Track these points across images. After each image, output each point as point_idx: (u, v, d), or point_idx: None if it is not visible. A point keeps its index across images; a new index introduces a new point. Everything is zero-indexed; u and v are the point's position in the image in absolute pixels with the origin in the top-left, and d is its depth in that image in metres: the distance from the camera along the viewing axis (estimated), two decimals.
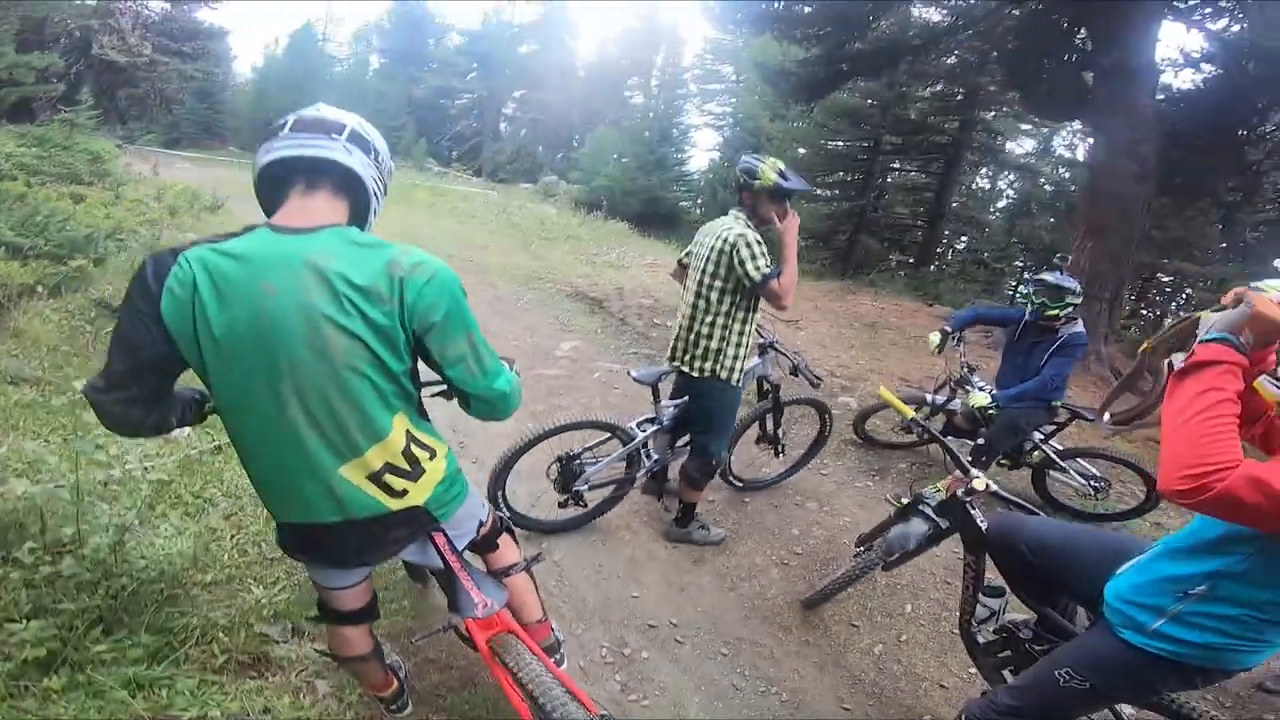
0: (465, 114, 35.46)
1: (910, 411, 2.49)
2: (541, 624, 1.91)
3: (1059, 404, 3.71)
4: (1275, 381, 1.26)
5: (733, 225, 2.60)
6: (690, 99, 30.90)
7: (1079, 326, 3.61)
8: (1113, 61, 7.42)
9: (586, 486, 2.90)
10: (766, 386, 3.37)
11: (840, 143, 16.79)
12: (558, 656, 2.04)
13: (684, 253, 2.93)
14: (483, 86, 33.95)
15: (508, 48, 33.31)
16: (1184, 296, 16.88)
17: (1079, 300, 3.61)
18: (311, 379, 1.17)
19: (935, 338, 3.90)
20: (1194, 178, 8.81)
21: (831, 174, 17.52)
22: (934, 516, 2.21)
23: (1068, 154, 18.74)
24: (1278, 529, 1.17)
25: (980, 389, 3.80)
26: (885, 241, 17.46)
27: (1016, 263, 18.42)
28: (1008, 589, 2.10)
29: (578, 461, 2.83)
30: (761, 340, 3.26)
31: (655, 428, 2.93)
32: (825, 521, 3.60)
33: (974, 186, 20.64)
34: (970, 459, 3.62)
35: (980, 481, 2.08)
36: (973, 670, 2.52)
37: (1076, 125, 15.21)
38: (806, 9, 9.26)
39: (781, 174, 2.59)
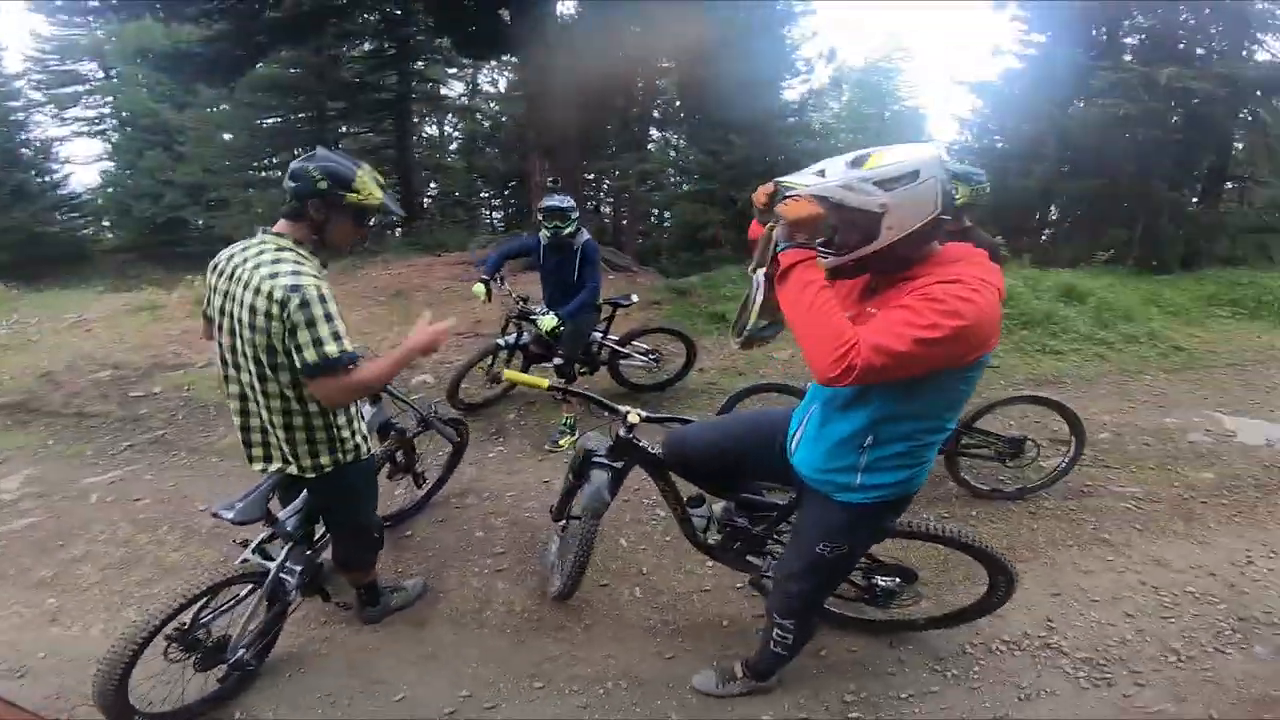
0: None
1: (545, 383, 2.37)
2: None
3: (600, 302, 4.19)
4: (822, 254, 1.47)
5: (282, 265, 1.72)
6: (38, 108, 22.43)
7: (586, 235, 4.02)
8: None
9: (244, 651, 2.03)
10: (391, 431, 2.78)
11: (278, 118, 14.75)
12: None
13: (205, 302, 1.92)
14: None
15: None
16: (605, 185, 21.18)
17: (579, 214, 4.00)
18: None
19: (479, 289, 4.00)
20: (596, 90, 10.75)
21: (280, 152, 15.43)
22: (609, 463, 2.20)
23: (492, 89, 20.80)
24: (906, 377, 1.37)
25: (544, 313, 3.98)
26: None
27: (483, 194, 20.18)
28: (704, 493, 2.26)
29: (203, 629, 1.98)
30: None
31: (284, 545, 2.09)
32: (495, 508, 3.35)
33: (425, 136, 21.20)
34: (560, 377, 3.89)
35: (634, 415, 2.15)
36: (714, 566, 2.72)
37: (494, 63, 16.86)
38: None
39: (384, 189, 1.88)
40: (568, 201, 3.89)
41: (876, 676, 2.30)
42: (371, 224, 1.99)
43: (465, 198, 19.50)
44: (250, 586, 2.05)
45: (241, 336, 1.77)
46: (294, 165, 1.80)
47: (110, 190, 18.40)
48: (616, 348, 4.49)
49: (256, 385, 1.82)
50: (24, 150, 17.41)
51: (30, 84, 23.75)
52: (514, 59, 11.91)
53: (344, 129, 16.65)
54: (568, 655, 2.42)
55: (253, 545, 2.09)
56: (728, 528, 2.22)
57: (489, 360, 4.29)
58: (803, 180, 1.43)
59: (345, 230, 1.87)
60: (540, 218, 3.93)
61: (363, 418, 2.20)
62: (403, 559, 2.98)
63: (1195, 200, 10.96)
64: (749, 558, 2.27)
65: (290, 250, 1.79)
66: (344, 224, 1.86)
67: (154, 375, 5.15)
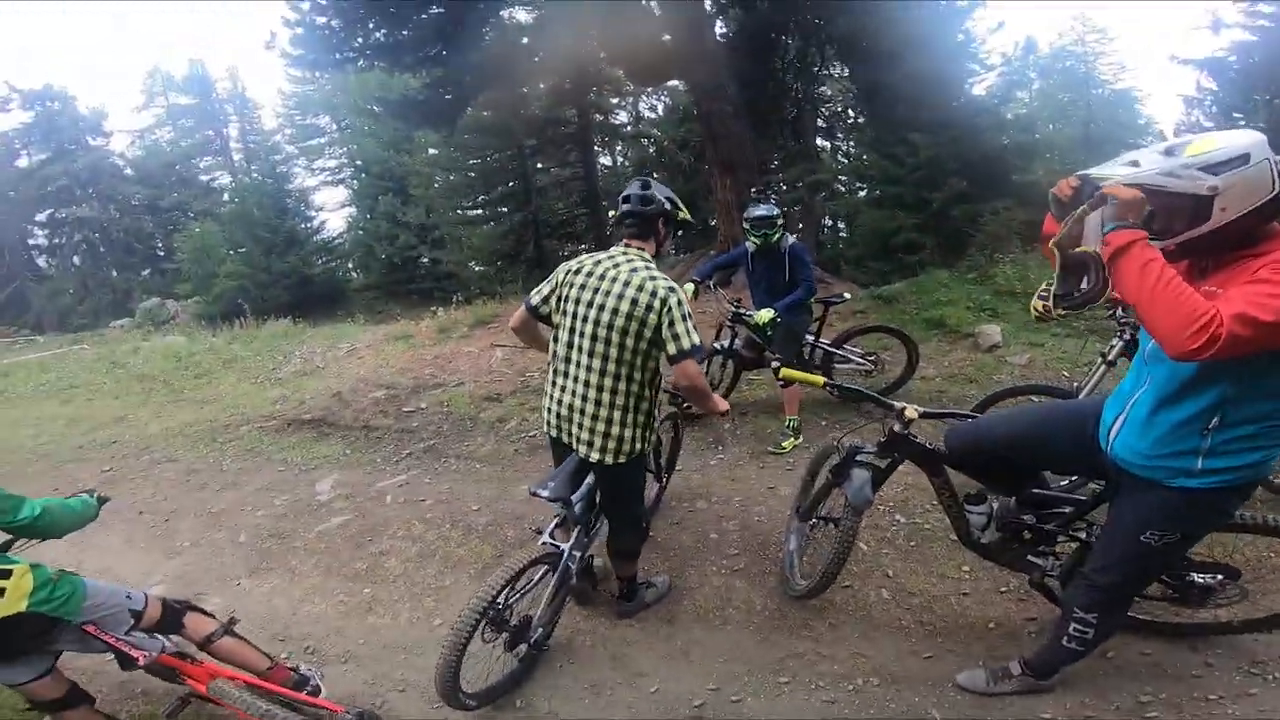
0: None
1: (820, 380, 2.43)
2: (274, 669, 2.26)
3: (812, 301, 4.18)
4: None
5: (653, 270, 2.13)
6: (293, 161, 27.65)
7: (792, 238, 4.09)
8: (680, 19, 8.57)
9: (541, 630, 2.32)
10: None
11: (484, 158, 16.68)
12: (312, 686, 2.34)
13: (539, 296, 2.31)
14: None
15: None
16: (773, 198, 21.01)
17: (783, 220, 4.08)
18: None
19: (689, 288, 4.17)
20: (765, 103, 10.84)
21: (491, 190, 17.36)
22: (874, 461, 2.21)
23: (652, 115, 21.65)
24: (1267, 350, 1.35)
25: (759, 311, 4.05)
26: (561, 238, 18.11)
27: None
28: (986, 490, 2.21)
29: (509, 610, 2.21)
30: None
31: (576, 529, 2.38)
32: (725, 512, 3.49)
33: (604, 165, 22.59)
34: (779, 380, 3.93)
35: (912, 410, 2.13)
36: (966, 566, 2.68)
37: (652, 90, 17.59)
38: (406, 32, 8.63)
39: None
40: (774, 210, 4.02)
41: (1177, 679, 2.11)
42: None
43: None
44: (545, 569, 2.33)
45: (610, 325, 2.10)
46: (642, 193, 2.19)
47: (355, 234, 21.84)
48: (830, 350, 4.42)
49: (608, 367, 2.15)
50: (289, 200, 20.86)
51: (284, 138, 29.30)
52: (678, 82, 12.31)
53: (539, 165, 18.33)
54: (813, 652, 2.45)
55: (546, 531, 2.38)
56: (1011, 525, 2.14)
57: (705, 366, 4.45)
58: (1114, 171, 1.49)
59: (665, 240, 2.30)
60: (748, 227, 4.06)
61: None
62: (647, 558, 3.15)
63: None
64: (1031, 557, 2.18)
65: (649, 261, 2.18)
66: (667, 236, 2.29)
67: (419, 393, 6.08)
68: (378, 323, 12.09)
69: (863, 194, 15.13)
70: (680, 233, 2.42)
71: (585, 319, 2.15)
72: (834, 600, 2.70)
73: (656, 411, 2.34)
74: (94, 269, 26.69)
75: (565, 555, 2.33)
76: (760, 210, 4.00)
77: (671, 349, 2.08)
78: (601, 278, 2.14)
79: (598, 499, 2.47)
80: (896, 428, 2.14)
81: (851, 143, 18.10)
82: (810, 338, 4.37)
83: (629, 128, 21.79)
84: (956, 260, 7.72)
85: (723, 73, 8.92)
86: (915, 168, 9.46)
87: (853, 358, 4.48)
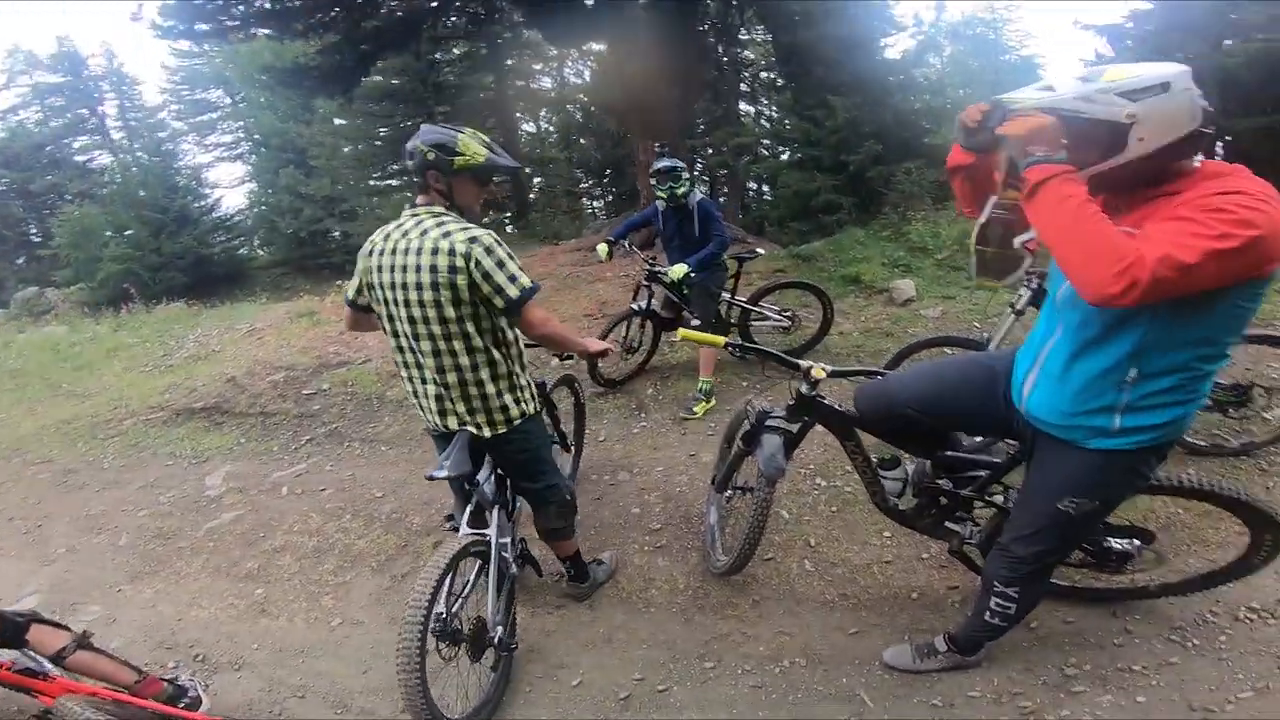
0: None
1: (721, 340, 2.29)
2: (144, 682, 2.10)
3: (727, 258, 4.11)
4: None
5: (448, 224, 1.86)
6: (181, 137, 25.44)
7: (699, 194, 4.01)
8: None
9: (500, 629, 2.09)
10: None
11: (390, 127, 15.73)
12: (189, 698, 2.19)
13: (353, 289, 2.07)
14: None
15: None
16: (699, 163, 20.97)
17: (688, 173, 3.98)
18: None
19: (602, 248, 4.16)
20: (687, 66, 10.61)
21: (397, 160, 16.43)
22: (785, 425, 2.09)
23: (578, 81, 21.03)
24: (1191, 293, 1.24)
25: (672, 267, 3.94)
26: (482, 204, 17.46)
27: (581, 185, 20.52)
28: (900, 454, 2.11)
29: (456, 619, 1.98)
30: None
31: (495, 513, 2.17)
32: (647, 484, 3.36)
33: (526, 132, 21.85)
34: (751, 345, 3.84)
35: (818, 369, 2.02)
36: (888, 531, 2.62)
37: (577, 54, 17.04)
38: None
39: (488, 146, 1.95)
40: (677, 162, 3.91)
41: (1100, 648, 2.09)
42: (493, 181, 2.08)
43: (570, 188, 19.95)
44: (478, 564, 2.13)
45: (422, 301, 1.86)
46: (406, 146, 1.92)
47: (256, 209, 20.36)
48: (746, 306, 4.37)
49: (442, 346, 1.92)
50: (178, 178, 19.06)
51: (171, 114, 27.02)
52: (600, 45, 11.97)
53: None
54: (738, 633, 2.36)
55: (464, 521, 2.15)
56: (926, 490, 2.05)
57: (624, 328, 4.32)
58: (1028, 96, 1.38)
59: (468, 192, 1.96)
60: (654, 182, 3.96)
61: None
62: (577, 537, 3.03)
63: None
64: (948, 524, 2.10)
65: (446, 215, 1.90)
66: (465, 187, 1.94)
67: (321, 374, 5.66)
68: (283, 300, 11.32)
69: (785, 157, 15.29)
70: (494, 180, 2.07)
71: (395, 302, 1.92)
72: (757, 575, 2.61)
73: (520, 367, 2.11)
74: None
75: (494, 544, 2.11)
76: (664, 163, 3.90)
77: (499, 301, 1.87)
78: (394, 253, 1.89)
79: (506, 480, 2.29)
80: (804, 389, 2.03)
81: (774, 107, 18.18)
82: (726, 295, 4.30)
83: (553, 93, 21.15)
84: (872, 219, 7.86)
85: (643, 34, 8.64)
86: (833, 130, 9.55)
87: (769, 314, 4.44)
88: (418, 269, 1.84)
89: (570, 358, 3.00)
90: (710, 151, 16.60)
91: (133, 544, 3.59)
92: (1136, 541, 2.00)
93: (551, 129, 22.39)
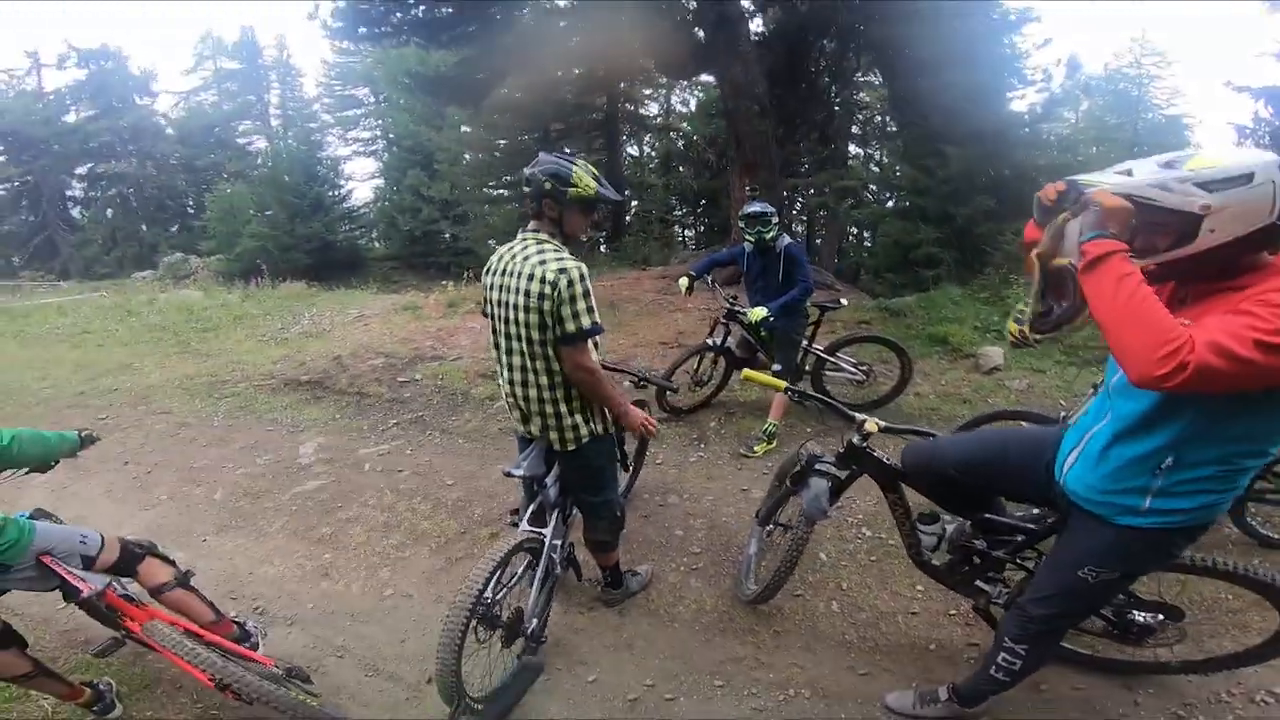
0: (10, 208, 26.85)
1: (782, 384, 2.39)
2: (219, 623, 2.31)
3: (810, 305, 4.10)
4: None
5: (546, 254, 2.02)
6: (328, 130, 27.96)
7: (788, 238, 4.02)
8: (714, 14, 8.46)
9: (535, 621, 2.24)
10: None
11: (511, 138, 16.65)
12: (252, 641, 2.41)
13: (484, 301, 2.27)
14: (23, 170, 25.94)
15: (45, 119, 25.79)
16: (799, 203, 20.81)
17: (778, 218, 4.01)
18: None
19: (684, 282, 4.18)
20: (796, 106, 10.69)
21: (515, 171, 17.34)
22: (834, 471, 2.17)
23: (684, 109, 21.49)
24: (1242, 388, 1.23)
25: (753, 308, 3.98)
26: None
27: (676, 212, 20.79)
28: (939, 510, 2.14)
29: (499, 606, 2.13)
30: None
31: (554, 515, 2.33)
32: (695, 510, 3.45)
33: (629, 155, 22.51)
34: (810, 393, 3.87)
35: (872, 424, 2.09)
36: (921, 586, 2.63)
37: (686, 83, 17.45)
38: (447, 9, 8.64)
39: (597, 179, 2.12)
40: (768, 207, 3.95)
41: (1104, 717, 2.06)
42: (597, 212, 2.23)
43: (664, 215, 20.33)
44: (528, 560, 2.27)
45: (517, 320, 2.05)
46: (526, 171, 2.09)
47: (380, 204, 21.93)
48: (823, 356, 4.34)
49: (529, 364, 2.11)
50: (319, 168, 20.81)
51: (322, 108, 29.64)
52: (710, 77, 12.18)
53: (565, 150, 18.18)
54: (753, 658, 2.42)
55: (524, 518, 2.30)
56: (961, 548, 2.08)
57: (696, 361, 4.39)
58: (1105, 179, 1.38)
59: (576, 221, 2.12)
60: (742, 225, 4.00)
61: None
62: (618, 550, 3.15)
63: None
64: (978, 583, 2.11)
65: (548, 243, 2.06)
66: (573, 215, 2.10)
67: (416, 365, 6.10)
68: (391, 292, 12.18)
69: (890, 204, 14.90)
70: (597, 210, 2.14)
71: (502, 319, 2.11)
72: (783, 608, 2.66)
73: None
74: (124, 222, 27.17)
75: (547, 544, 2.26)
76: (754, 207, 3.94)
77: (558, 331, 2.01)
78: (505, 273, 2.08)
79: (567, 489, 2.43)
80: (855, 440, 2.12)
81: (885, 152, 17.85)
82: (804, 342, 4.29)
83: (659, 119, 21.69)
84: (972, 278, 7.55)
85: (754, 71, 8.80)
86: (944, 180, 9.26)
87: (845, 366, 4.40)
88: (517, 290, 2.02)
89: (644, 385, 3.13)
90: (812, 192, 16.47)
91: (225, 499, 3.96)
92: (1161, 616, 1.99)
93: (654, 154, 22.94)
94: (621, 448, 3.17)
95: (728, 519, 3.33)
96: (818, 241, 18.74)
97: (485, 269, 2.20)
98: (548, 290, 1.97)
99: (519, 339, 2.08)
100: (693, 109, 19.72)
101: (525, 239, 2.09)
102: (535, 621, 2.23)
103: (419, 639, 2.60)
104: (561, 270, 1.97)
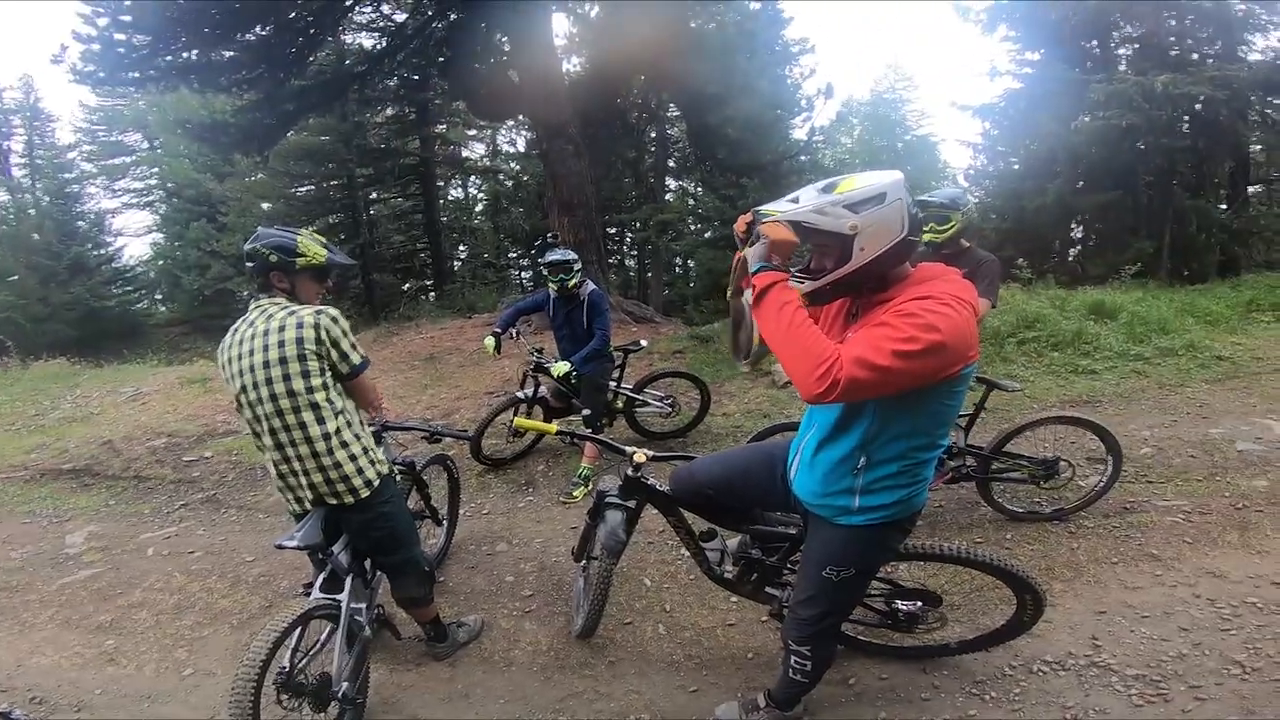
0: None
1: (553, 428, 2.50)
2: None
3: (611, 350, 4.25)
4: (798, 280, 1.55)
5: (298, 310, 2.00)
6: (89, 180, 24.09)
7: (591, 285, 4.13)
8: (527, 58, 8.65)
9: (347, 684, 2.08)
10: (400, 469, 2.86)
11: (310, 186, 15.52)
12: None
13: (236, 388, 2.08)
14: None
15: None
16: (627, 241, 21.67)
17: (580, 265, 4.10)
18: None
19: (490, 342, 4.09)
20: (608, 144, 11.21)
21: (314, 220, 16.09)
22: (623, 502, 2.26)
23: (511, 149, 21.59)
24: (891, 393, 1.39)
25: (557, 361, 4.05)
26: (397, 272, 17.24)
27: (510, 254, 20.74)
28: (715, 527, 2.29)
29: (301, 673, 1.99)
30: (372, 426, 2.64)
31: (349, 581, 2.18)
32: (524, 554, 3.40)
33: (451, 198, 22.00)
34: (589, 428, 3.90)
35: (640, 454, 2.21)
36: (738, 601, 2.76)
37: (510, 123, 17.57)
38: (227, 53, 7.90)
39: (326, 246, 2.11)
40: (570, 254, 4.01)
41: (909, 703, 2.25)
42: (330, 279, 2.22)
43: (494, 259, 20.07)
44: (329, 626, 2.13)
45: (271, 380, 1.96)
46: (245, 248, 2.07)
47: (160, 262, 19.41)
48: (631, 395, 4.53)
49: (295, 419, 1.99)
50: (80, 223, 18.34)
51: (81, 155, 25.55)
52: (526, 119, 12.39)
53: (374, 195, 17.36)
54: (592, 690, 2.45)
55: (317, 586, 2.16)
56: (743, 560, 2.22)
57: (511, 414, 4.32)
58: (779, 207, 1.50)
59: (309, 288, 2.13)
60: (545, 273, 4.02)
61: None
62: (436, 603, 3.03)
63: (1224, 207, 10.75)
64: (768, 589, 2.26)
65: (290, 303, 2.05)
66: (305, 284, 2.11)
67: (206, 441, 5.41)
68: (179, 363, 10.71)
69: (706, 235, 16.05)
70: (330, 276, 2.21)
71: (253, 387, 2.00)
72: (614, 638, 2.72)
73: (363, 429, 2.21)
74: None
75: (345, 609, 2.12)
76: (555, 255, 3.99)
77: (344, 368, 2.06)
78: (242, 343, 2.02)
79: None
80: (629, 471, 2.21)
81: (697, 185, 19.25)
82: (613, 384, 4.42)
83: (484, 160, 21.55)
84: None
85: (567, 110, 9.04)
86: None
87: (651, 401, 4.62)
88: (265, 348, 1.94)
89: (439, 440, 3.10)
90: (638, 225, 17.27)
91: None
92: (920, 603, 2.18)
93: (481, 195, 22.69)
94: (429, 504, 3.10)
95: (558, 559, 3.32)
96: (648, 275, 19.58)
97: (220, 356, 2.08)
98: (308, 334, 1.95)
99: (277, 398, 1.97)
100: (521, 148, 19.84)
101: (258, 308, 2.03)
102: (346, 684, 2.09)
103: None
104: (319, 312, 1.98)
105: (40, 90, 23.43)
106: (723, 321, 1.82)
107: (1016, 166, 12.98)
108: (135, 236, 23.61)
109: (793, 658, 1.93)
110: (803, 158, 12.09)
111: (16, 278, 16.07)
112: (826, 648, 1.97)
